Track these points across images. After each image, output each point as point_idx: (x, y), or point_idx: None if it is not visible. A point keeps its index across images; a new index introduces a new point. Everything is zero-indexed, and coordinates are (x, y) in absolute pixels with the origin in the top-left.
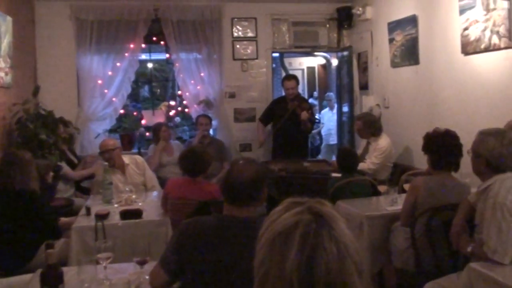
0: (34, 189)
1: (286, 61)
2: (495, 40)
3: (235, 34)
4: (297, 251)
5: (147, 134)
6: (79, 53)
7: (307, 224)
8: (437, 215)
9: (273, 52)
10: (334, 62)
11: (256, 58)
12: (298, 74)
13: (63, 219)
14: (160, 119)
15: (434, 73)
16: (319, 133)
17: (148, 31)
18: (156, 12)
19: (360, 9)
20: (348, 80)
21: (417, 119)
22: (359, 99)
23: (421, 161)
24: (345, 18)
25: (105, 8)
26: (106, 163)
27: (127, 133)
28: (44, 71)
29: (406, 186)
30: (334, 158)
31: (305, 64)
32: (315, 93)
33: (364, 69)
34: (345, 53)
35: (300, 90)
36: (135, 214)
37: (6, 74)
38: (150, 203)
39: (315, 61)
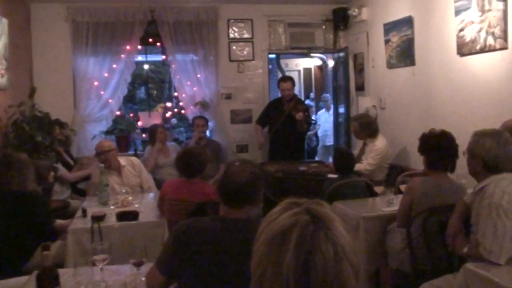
0: (34, 189)
1: (283, 62)
2: (490, 41)
3: (231, 36)
4: (294, 252)
5: (144, 135)
6: (75, 54)
7: (304, 226)
8: (433, 216)
9: (269, 53)
10: (331, 63)
11: (253, 60)
12: (295, 75)
13: (59, 221)
14: (157, 120)
15: (430, 74)
16: (315, 134)
17: (144, 33)
18: (152, 14)
19: (356, 10)
20: (345, 81)
21: (413, 120)
22: (355, 100)
23: (417, 162)
24: (341, 19)
25: (101, 9)
26: (102, 165)
27: (123, 134)
28: (40, 72)
29: (403, 187)
30: (330, 160)
31: (301, 65)
32: (312, 95)
33: (360, 70)
34: (341, 54)
35: (296, 91)
36: (132, 215)
37: (2, 76)
38: (147, 205)
39: (312, 62)
